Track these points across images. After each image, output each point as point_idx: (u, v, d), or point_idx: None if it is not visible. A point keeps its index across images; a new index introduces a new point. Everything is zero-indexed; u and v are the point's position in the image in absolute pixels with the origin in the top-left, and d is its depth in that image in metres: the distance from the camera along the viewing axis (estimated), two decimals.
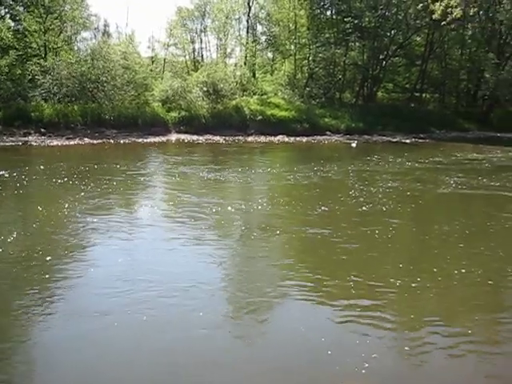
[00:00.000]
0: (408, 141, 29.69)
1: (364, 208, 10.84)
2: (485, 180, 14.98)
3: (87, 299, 6.14)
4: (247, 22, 37.39)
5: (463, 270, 7.11)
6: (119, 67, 25.99)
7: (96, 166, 15.60)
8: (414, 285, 6.62)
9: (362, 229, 9.23)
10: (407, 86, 43.43)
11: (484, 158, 21.70)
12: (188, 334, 5.36)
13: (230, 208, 10.71)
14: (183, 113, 26.72)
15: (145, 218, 10.06)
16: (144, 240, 8.53)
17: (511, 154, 24.18)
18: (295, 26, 36.00)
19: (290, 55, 36.51)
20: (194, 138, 24.88)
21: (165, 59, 37.95)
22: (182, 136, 25.12)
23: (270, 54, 41.50)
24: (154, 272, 6.93)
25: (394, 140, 29.66)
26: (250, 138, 25.96)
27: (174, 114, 26.68)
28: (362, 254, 7.88)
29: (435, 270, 7.09)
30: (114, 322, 5.52)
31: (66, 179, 13.33)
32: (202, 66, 34.38)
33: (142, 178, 14.30)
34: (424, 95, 43.39)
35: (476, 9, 39.84)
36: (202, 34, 41.23)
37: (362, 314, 5.86)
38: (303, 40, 36.60)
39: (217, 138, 25.24)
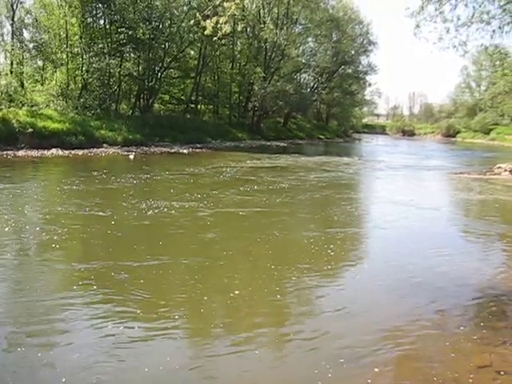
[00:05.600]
0: (185, 151, 30.77)
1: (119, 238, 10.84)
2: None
3: None
4: (12, 26, 34.79)
5: (250, 289, 7.44)
6: None
7: None
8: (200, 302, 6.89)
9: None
10: (183, 97, 45.04)
11: (235, 166, 23.53)
12: None
13: None
14: None
15: None
16: None
17: (263, 162, 26.75)
18: (66, 34, 34.74)
19: (62, 64, 35.06)
20: None
21: None
22: None
23: (40, 63, 39.27)
24: None
25: (172, 151, 30.48)
26: (20, 153, 24.21)
27: None
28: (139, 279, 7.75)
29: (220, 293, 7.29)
30: None
31: None
32: None
33: None
34: (199, 106, 45.42)
35: (243, 25, 43.01)
36: None
37: (150, 327, 6.00)
38: (76, 49, 35.56)
39: None
